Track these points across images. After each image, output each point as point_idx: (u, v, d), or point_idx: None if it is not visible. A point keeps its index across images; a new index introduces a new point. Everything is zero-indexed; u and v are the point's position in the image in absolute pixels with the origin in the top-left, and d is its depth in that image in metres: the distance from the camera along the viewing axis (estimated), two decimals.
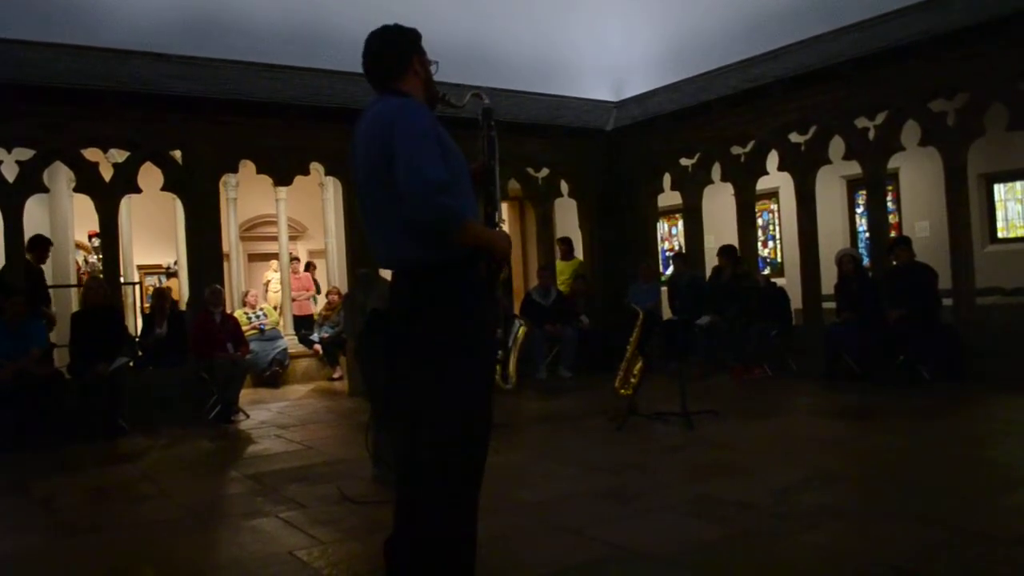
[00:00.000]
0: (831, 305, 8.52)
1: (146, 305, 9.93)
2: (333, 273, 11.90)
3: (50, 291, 8.42)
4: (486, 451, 2.44)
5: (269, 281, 12.56)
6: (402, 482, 2.41)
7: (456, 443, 2.32)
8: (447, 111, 2.69)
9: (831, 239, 9.60)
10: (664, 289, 9.89)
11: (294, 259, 12.40)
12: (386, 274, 2.62)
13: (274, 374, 9.95)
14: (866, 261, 9.12)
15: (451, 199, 2.26)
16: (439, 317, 2.33)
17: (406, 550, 2.34)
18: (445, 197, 2.24)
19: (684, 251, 10.39)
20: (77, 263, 11.42)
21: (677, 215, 12.27)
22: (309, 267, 12.51)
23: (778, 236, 12.24)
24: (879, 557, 3.07)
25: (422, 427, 2.33)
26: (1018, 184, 9.85)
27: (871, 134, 8.34)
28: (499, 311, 2.55)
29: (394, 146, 2.28)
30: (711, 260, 9.66)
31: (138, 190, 8.28)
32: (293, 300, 11.68)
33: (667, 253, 12.95)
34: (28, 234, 7.75)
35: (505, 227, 2.58)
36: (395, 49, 2.53)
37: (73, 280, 10.62)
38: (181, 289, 10.35)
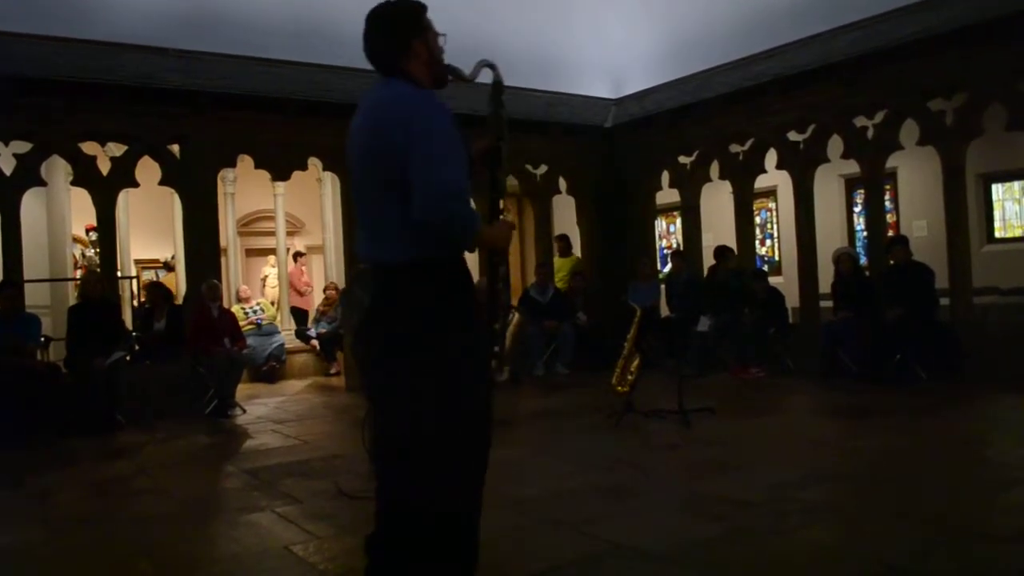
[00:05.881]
0: (828, 304, 8.53)
1: (143, 298, 9.93)
2: (331, 268, 11.90)
3: None
4: (485, 446, 2.38)
5: (266, 276, 12.56)
6: (387, 479, 2.38)
7: (450, 435, 2.27)
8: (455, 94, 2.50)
9: (829, 238, 9.60)
10: (663, 287, 9.90)
11: (300, 255, 12.41)
12: None
13: (271, 369, 9.94)
14: (863, 260, 9.13)
15: (467, 206, 2.19)
16: (431, 313, 2.25)
17: (386, 545, 2.33)
18: (462, 204, 2.16)
19: (682, 249, 10.40)
20: (74, 257, 11.41)
21: (675, 213, 12.27)
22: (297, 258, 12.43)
23: (776, 234, 12.25)
24: (875, 555, 3.07)
25: (413, 422, 2.27)
26: (1016, 184, 9.86)
27: (870, 133, 8.35)
28: (499, 304, 2.48)
29: (408, 144, 2.16)
30: (709, 258, 9.65)
31: (136, 184, 8.26)
32: (301, 295, 11.75)
33: (665, 251, 12.96)
34: (25, 227, 7.72)
35: (509, 216, 2.50)
36: (392, 33, 2.37)
37: (70, 274, 10.60)
38: (178, 284, 10.34)
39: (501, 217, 2.45)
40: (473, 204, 2.38)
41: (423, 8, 2.42)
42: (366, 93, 2.40)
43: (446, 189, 2.13)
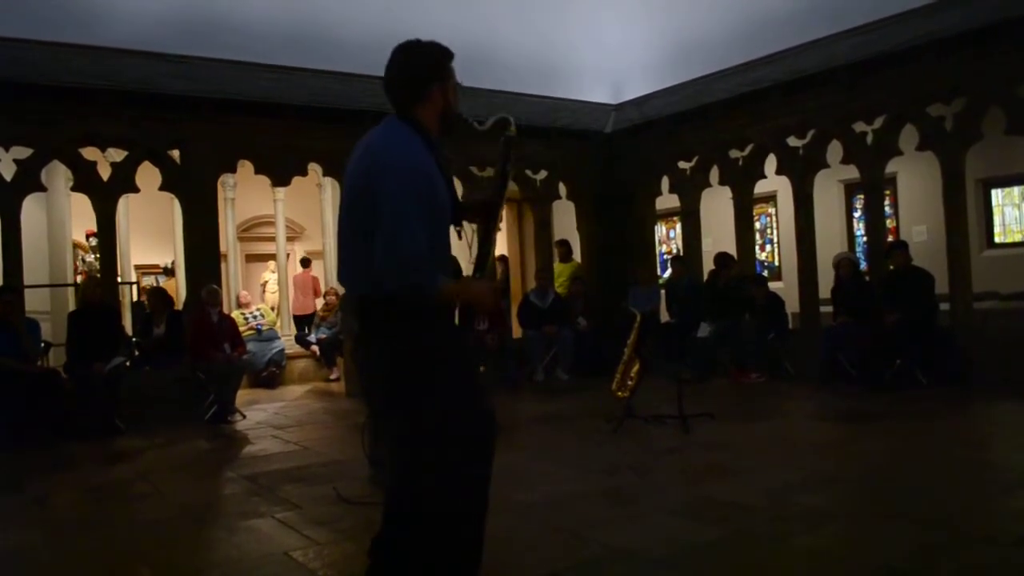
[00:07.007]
0: (828, 309, 8.53)
1: (143, 298, 9.94)
2: (331, 274, 11.90)
3: None
4: (483, 462, 2.39)
5: (266, 282, 12.56)
6: (392, 484, 2.40)
7: (445, 454, 2.29)
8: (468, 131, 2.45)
9: (828, 243, 9.61)
10: (663, 292, 9.89)
11: (307, 261, 12.43)
12: None
13: (271, 374, 9.93)
14: (863, 265, 9.13)
15: (425, 271, 2.19)
16: (413, 334, 2.28)
17: (391, 550, 2.33)
18: (418, 274, 2.17)
19: (682, 254, 10.40)
20: (74, 262, 11.42)
21: (675, 218, 12.28)
22: (306, 264, 12.47)
23: (776, 240, 12.26)
24: (876, 559, 3.07)
25: (410, 439, 2.31)
26: (1015, 189, 9.88)
27: (869, 138, 8.35)
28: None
29: (379, 201, 2.19)
30: (709, 263, 9.65)
31: (136, 189, 8.27)
32: (317, 295, 11.79)
33: (665, 256, 12.96)
34: (25, 233, 7.73)
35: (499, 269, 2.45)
36: (415, 73, 2.37)
37: (70, 279, 10.61)
38: (178, 289, 10.35)
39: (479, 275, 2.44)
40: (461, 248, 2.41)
41: (450, 55, 2.43)
42: (372, 130, 2.40)
43: (401, 256, 2.15)
